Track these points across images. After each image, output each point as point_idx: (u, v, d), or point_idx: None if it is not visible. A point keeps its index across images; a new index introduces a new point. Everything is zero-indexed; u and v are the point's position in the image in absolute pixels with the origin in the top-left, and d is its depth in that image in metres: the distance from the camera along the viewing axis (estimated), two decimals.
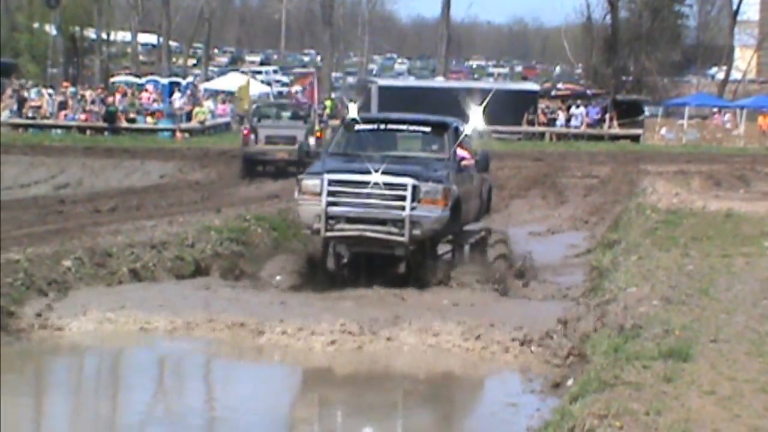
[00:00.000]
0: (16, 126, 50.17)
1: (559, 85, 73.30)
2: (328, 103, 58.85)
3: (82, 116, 51.33)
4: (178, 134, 51.13)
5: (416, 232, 15.56)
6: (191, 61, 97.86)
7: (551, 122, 58.92)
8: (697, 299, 13.24)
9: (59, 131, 50.49)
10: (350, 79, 78.38)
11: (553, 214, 29.60)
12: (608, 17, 70.43)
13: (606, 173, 40.17)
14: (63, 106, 52.15)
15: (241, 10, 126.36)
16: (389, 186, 15.58)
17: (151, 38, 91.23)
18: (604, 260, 18.09)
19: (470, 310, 14.41)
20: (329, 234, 15.74)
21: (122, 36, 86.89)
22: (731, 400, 8.74)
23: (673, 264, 16.01)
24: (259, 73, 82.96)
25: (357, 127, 17.80)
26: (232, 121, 55.48)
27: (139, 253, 16.53)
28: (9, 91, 52.98)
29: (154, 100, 56.05)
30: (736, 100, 68.68)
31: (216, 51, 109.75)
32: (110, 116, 50.92)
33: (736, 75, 79.66)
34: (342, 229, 15.70)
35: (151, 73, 70.04)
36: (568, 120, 58.83)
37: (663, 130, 59.11)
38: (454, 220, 16.35)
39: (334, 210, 15.64)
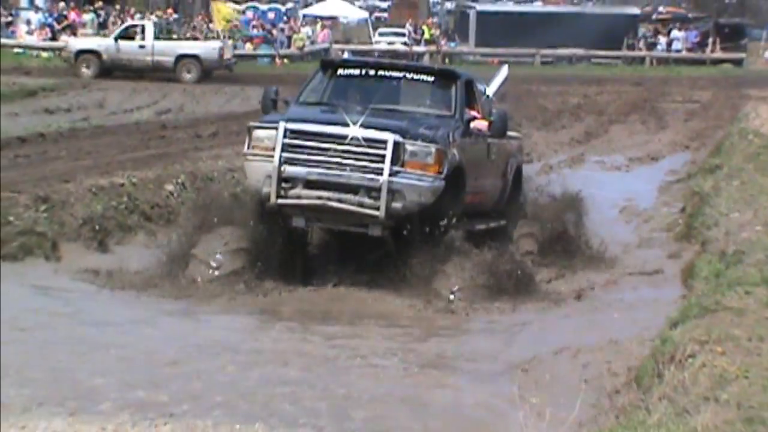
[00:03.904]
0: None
1: (660, 9, 71.95)
2: (425, 28, 58.48)
3: None
4: (278, 60, 51.27)
5: (396, 205, 11.69)
6: None
7: (651, 46, 58.01)
8: None
9: None
10: (448, 4, 77.56)
11: (653, 139, 29.33)
12: None
13: (707, 98, 39.63)
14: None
15: None
16: (365, 143, 11.81)
17: None
18: (706, 186, 17.87)
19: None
20: (281, 201, 11.90)
21: None
22: None
23: None
24: None
25: (339, 72, 13.87)
26: (332, 46, 55.44)
27: (239, 178, 16.60)
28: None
29: (254, 26, 56.21)
30: None
31: None
32: None
33: None
34: (298, 196, 11.87)
35: (251, 0, 70.13)
36: (668, 44, 57.97)
37: (767, 54, 57.99)
38: (454, 196, 12.36)
39: (290, 170, 11.87)
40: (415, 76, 13.76)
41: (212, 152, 20.56)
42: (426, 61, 49.96)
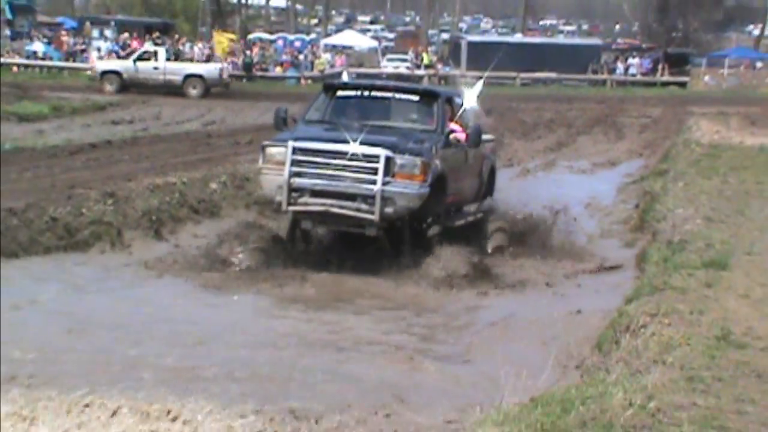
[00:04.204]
0: None
1: (619, 40, 71.96)
2: (425, 55, 58.39)
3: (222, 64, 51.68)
4: (303, 81, 51.23)
5: (388, 209, 11.60)
6: (313, 21, 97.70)
7: (612, 71, 57.91)
8: (734, 219, 13.05)
9: None
10: (444, 36, 77.50)
11: (613, 148, 29.25)
12: None
13: (658, 114, 39.53)
14: (209, 57, 52.44)
15: None
16: (361, 157, 11.65)
17: (281, 2, 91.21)
18: (656, 186, 17.83)
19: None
20: (291, 208, 11.89)
21: (257, 0, 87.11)
22: (762, 302, 8.62)
23: (714, 189, 15.77)
24: (369, 30, 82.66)
25: (339, 93, 13.64)
26: (346, 70, 55.38)
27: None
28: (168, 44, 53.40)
29: (283, 53, 56.20)
30: None
31: (333, 12, 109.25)
32: (247, 66, 51.28)
33: None
34: (306, 203, 11.81)
35: (281, 31, 70.18)
36: (626, 69, 57.89)
37: (706, 78, 58.11)
38: (437, 200, 12.22)
39: (299, 182, 11.78)
40: (403, 96, 13.51)
41: (248, 157, 20.49)
42: (425, 82, 49.82)
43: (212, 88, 40.90)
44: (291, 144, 11.83)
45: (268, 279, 11.51)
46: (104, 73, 40.40)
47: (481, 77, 17.93)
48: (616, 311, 9.04)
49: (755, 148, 22.24)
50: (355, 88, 14.07)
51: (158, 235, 13.55)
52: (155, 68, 40.04)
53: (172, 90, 39.77)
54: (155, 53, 41.22)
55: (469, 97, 14.17)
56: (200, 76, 40.39)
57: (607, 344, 8.26)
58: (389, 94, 13.56)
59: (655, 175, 20.30)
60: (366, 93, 13.56)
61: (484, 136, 14.37)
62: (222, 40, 53.09)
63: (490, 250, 13.21)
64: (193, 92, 39.89)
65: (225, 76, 42.21)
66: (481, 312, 10.75)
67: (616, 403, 5.72)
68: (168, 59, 40.90)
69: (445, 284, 11.47)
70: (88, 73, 42.32)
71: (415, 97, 13.43)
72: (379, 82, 15.75)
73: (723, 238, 11.49)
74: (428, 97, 13.43)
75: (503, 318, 10.25)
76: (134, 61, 40.71)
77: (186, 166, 18.46)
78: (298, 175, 11.78)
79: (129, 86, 39.66)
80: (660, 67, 57.56)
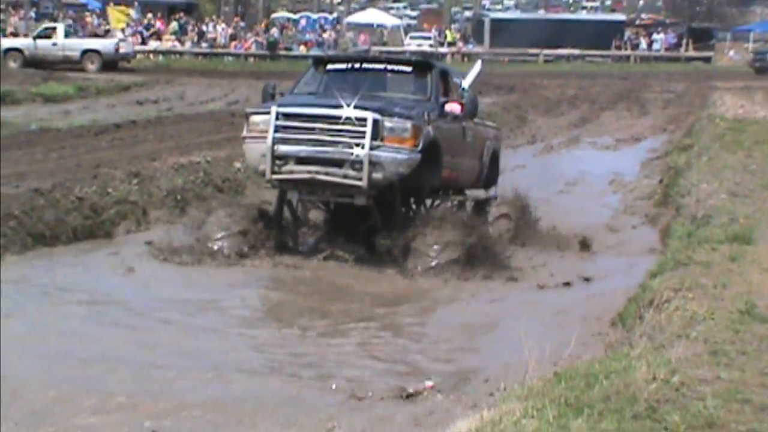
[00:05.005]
0: (196, 54, 50.69)
1: (643, 15, 71.31)
2: (448, 33, 58.22)
3: (245, 44, 51.71)
4: None
5: (377, 175, 10.87)
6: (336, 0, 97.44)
7: (635, 47, 57.55)
8: (758, 193, 12.96)
9: (230, 58, 50.93)
10: (467, 13, 77.07)
11: (637, 123, 29.15)
12: None
13: (681, 89, 39.29)
14: (233, 37, 52.55)
15: None
16: (347, 121, 10.96)
17: None
18: (680, 161, 17.75)
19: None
20: (275, 177, 11.19)
21: None
22: None
23: (738, 164, 15.66)
24: (392, 8, 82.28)
25: (329, 66, 12.93)
26: (371, 48, 55.27)
27: None
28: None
29: (307, 32, 56.16)
30: None
31: None
32: (271, 46, 51.24)
33: None
34: (291, 171, 11.11)
35: (304, 10, 69.98)
36: (649, 45, 57.55)
37: (731, 53, 57.64)
38: (430, 170, 11.48)
39: (283, 149, 11.10)
40: (396, 68, 12.92)
41: None
42: (448, 60, 49.66)
43: (116, 63, 40.86)
44: (275, 110, 11.22)
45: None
46: (7, 50, 40.66)
47: (479, 58, 17.36)
48: (640, 286, 9.02)
49: None
50: (346, 60, 13.57)
51: (183, 213, 13.60)
52: (54, 44, 40.27)
53: (72, 65, 39.75)
54: (54, 29, 41.49)
55: (467, 80, 13.72)
56: (97, 51, 40.55)
57: (630, 319, 8.24)
58: (381, 66, 13.07)
59: (678, 150, 20.20)
60: (357, 65, 12.93)
61: (488, 123, 14.00)
62: (118, 15, 52.72)
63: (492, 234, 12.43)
64: (91, 67, 39.90)
65: (123, 50, 42.00)
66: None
67: (639, 377, 5.70)
68: (67, 36, 41.03)
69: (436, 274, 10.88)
70: None
71: (408, 68, 12.81)
72: (370, 55, 15.19)
73: (747, 213, 11.41)
74: (422, 68, 12.76)
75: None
76: (34, 38, 41.01)
77: (210, 146, 18.51)
78: (283, 141, 11.13)
79: (30, 63, 39.59)
80: (684, 42, 57.32)
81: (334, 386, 7.15)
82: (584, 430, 4.98)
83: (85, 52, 40.36)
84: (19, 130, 20.51)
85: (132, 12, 52.92)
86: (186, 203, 13.97)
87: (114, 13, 52.49)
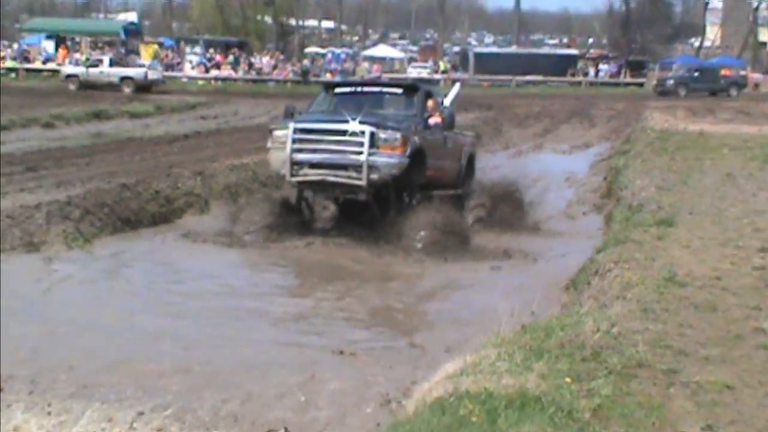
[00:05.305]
0: (246, 80, 50.58)
1: (591, 50, 71.01)
2: (441, 63, 58.04)
3: (284, 72, 51.58)
4: None
5: (374, 176, 10.91)
6: (355, 38, 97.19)
7: (586, 74, 57.31)
8: (679, 187, 12.90)
9: (273, 83, 50.78)
10: (456, 48, 76.77)
11: (587, 134, 28.99)
12: (623, 6, 68.03)
13: (621, 107, 39.01)
14: (275, 67, 52.42)
15: (386, 5, 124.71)
16: (350, 134, 10.98)
17: (330, 23, 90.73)
18: (620, 163, 17.69)
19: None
20: (294, 179, 11.27)
21: (311, 22, 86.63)
22: (700, 250, 8.52)
23: (664, 165, 15.59)
24: (398, 44, 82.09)
25: (336, 90, 12.81)
26: (381, 75, 55.07)
27: None
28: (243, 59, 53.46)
29: (332, 63, 56.02)
30: (707, 59, 65.77)
31: (370, 31, 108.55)
32: (304, 73, 51.14)
33: (707, 43, 76.25)
34: (306, 174, 11.19)
35: (330, 46, 69.84)
36: (596, 73, 57.34)
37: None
38: (417, 170, 11.43)
39: (299, 157, 11.16)
40: (390, 90, 12.86)
41: None
42: (441, 84, 49.44)
43: (146, 87, 39.84)
44: (292, 126, 11.26)
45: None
46: (68, 76, 40.40)
47: (457, 81, 16.90)
48: (588, 259, 9.00)
49: (695, 133, 21.98)
50: (350, 84, 13.54)
51: (235, 204, 13.59)
52: (101, 72, 39.86)
53: (114, 88, 38.93)
54: (101, 60, 41.22)
55: (447, 99, 13.44)
56: (131, 78, 39.98)
57: (580, 285, 8.23)
58: (378, 89, 13.09)
59: (619, 154, 20.11)
60: (359, 89, 12.88)
61: (465, 132, 13.85)
62: (148, 49, 52.07)
63: (470, 223, 12.20)
64: (126, 90, 39.06)
65: (151, 77, 41.23)
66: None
67: (587, 329, 5.71)
68: (111, 65, 40.52)
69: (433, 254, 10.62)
70: (60, 76, 41.56)
71: (399, 91, 12.69)
72: (369, 80, 15.05)
73: (671, 202, 11.37)
74: (410, 90, 12.68)
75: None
76: (86, 67, 40.63)
77: (257, 151, 18.36)
78: (299, 151, 11.15)
79: (84, 86, 39.08)
80: (623, 71, 57.08)
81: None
82: (544, 370, 4.99)
83: (122, 78, 39.81)
84: (112, 139, 20.56)
85: (157, 48, 52.55)
86: (238, 195, 13.96)
87: (146, 48, 52.25)
